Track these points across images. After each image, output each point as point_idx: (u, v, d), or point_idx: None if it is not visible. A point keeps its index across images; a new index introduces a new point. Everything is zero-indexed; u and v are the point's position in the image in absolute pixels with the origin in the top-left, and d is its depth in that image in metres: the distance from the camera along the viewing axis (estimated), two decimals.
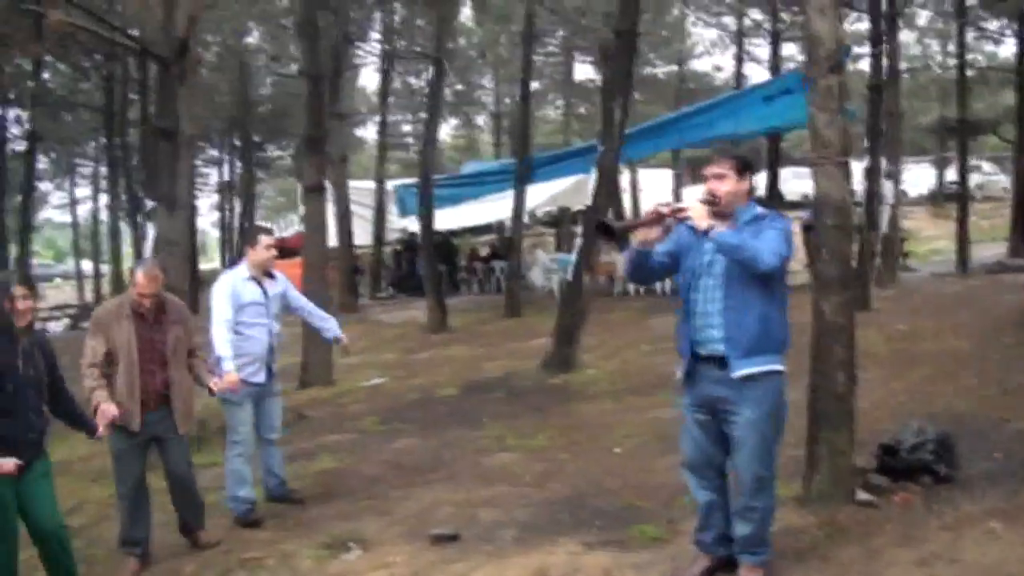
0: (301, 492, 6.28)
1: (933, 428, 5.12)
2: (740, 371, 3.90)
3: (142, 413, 5.09)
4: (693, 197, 4.15)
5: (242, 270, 5.90)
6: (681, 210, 4.01)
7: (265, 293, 5.90)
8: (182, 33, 7.96)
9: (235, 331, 5.72)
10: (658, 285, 17.17)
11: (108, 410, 4.71)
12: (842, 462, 4.81)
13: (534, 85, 27.70)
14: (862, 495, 4.79)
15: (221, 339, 5.61)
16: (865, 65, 16.82)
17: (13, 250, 25.19)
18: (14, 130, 27.19)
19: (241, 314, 5.78)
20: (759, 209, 4.06)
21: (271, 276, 5.99)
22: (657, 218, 4.02)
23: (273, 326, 5.95)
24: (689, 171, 35.89)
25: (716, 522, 4.19)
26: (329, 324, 6.35)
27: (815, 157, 4.98)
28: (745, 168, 4.06)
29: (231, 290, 5.78)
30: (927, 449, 4.95)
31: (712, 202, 3.98)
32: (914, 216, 27.90)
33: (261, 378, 5.88)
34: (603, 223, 4.23)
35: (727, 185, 3.99)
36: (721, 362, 3.95)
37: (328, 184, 15.82)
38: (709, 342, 3.98)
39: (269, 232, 6.11)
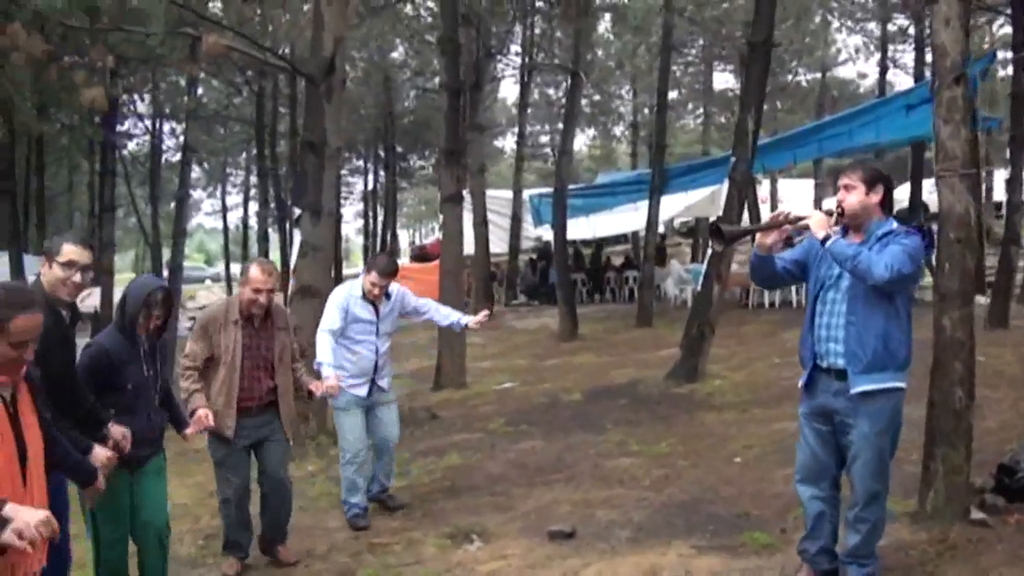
0: (400, 499, 6.31)
1: None
2: (859, 387, 3.92)
3: (243, 418, 5.07)
4: (829, 207, 4.18)
5: (356, 288, 5.97)
6: (800, 218, 4.05)
7: (376, 312, 5.97)
8: (329, 53, 8.48)
9: (342, 344, 5.84)
10: (794, 298, 16.92)
11: (204, 419, 4.60)
12: (957, 480, 4.77)
13: (672, 95, 27.64)
14: (976, 514, 4.73)
15: (323, 345, 5.70)
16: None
17: (166, 253, 26.90)
18: (169, 142, 29.18)
19: (349, 329, 5.88)
20: (894, 225, 4.03)
21: (387, 295, 6.03)
22: (775, 224, 4.08)
23: (381, 345, 6.01)
24: (831, 181, 34.91)
25: (823, 534, 4.22)
26: (453, 316, 6.41)
27: (939, 169, 4.96)
28: (876, 181, 4.01)
29: (344, 303, 5.88)
30: None
31: (837, 213, 3.99)
32: None
33: (363, 392, 5.95)
34: (716, 225, 4.26)
35: (855, 196, 3.99)
36: (840, 374, 3.99)
37: (466, 193, 16.33)
38: (830, 355, 4.02)
39: (387, 269, 5.94)
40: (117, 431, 3.90)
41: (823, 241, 3.92)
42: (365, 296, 5.92)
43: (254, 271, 5.09)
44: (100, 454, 3.58)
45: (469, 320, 6.38)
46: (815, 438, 4.16)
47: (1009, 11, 14.41)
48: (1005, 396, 7.63)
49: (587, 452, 7.45)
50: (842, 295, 4.00)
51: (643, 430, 8.14)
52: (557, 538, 5.32)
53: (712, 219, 24.37)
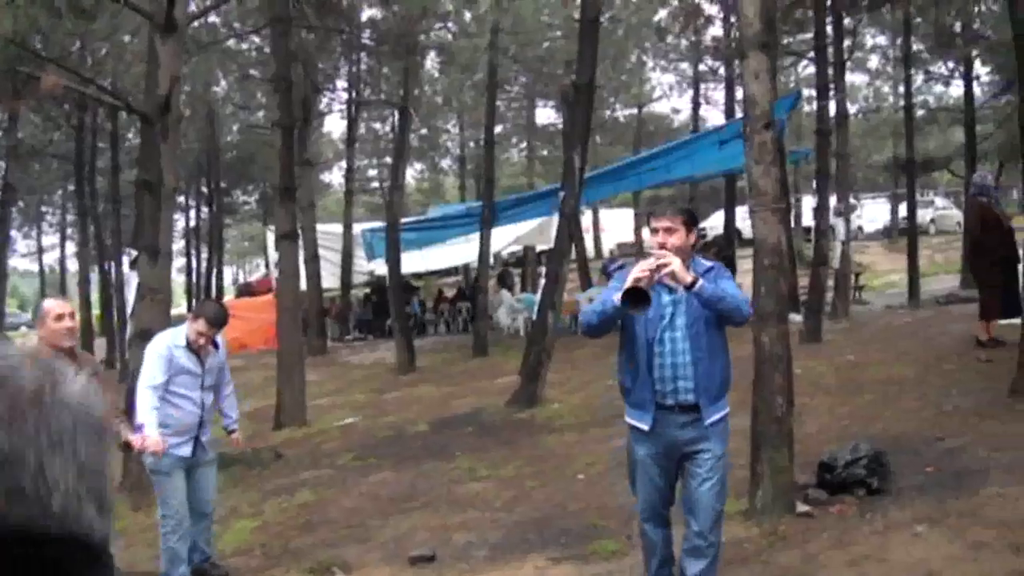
0: (226, 568, 5.82)
1: (867, 446, 5.64)
2: (712, 418, 4.08)
3: None
4: (644, 251, 4.29)
5: (179, 336, 5.47)
6: (664, 265, 3.96)
7: (201, 363, 5.48)
8: (164, 92, 8.41)
9: (164, 399, 5.32)
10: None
11: None
12: (783, 479, 5.31)
13: (497, 129, 28.35)
14: (802, 507, 5.29)
15: (145, 404, 5.21)
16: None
17: None
18: None
19: (172, 383, 5.36)
20: (706, 262, 4.24)
21: (214, 344, 5.55)
22: (650, 276, 3.99)
23: (206, 398, 5.54)
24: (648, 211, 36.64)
25: (669, 553, 4.34)
26: (232, 415, 5.93)
27: (752, 204, 5.54)
28: (693, 222, 4.25)
29: (167, 353, 5.37)
30: (860, 465, 5.47)
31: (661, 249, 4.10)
32: (870, 251, 28.78)
33: (187, 451, 5.43)
34: (638, 289, 3.88)
35: (677, 239, 4.11)
36: (689, 408, 4.06)
37: (297, 229, 16.24)
38: (680, 392, 4.06)
39: (217, 319, 5.46)
40: None
41: (691, 285, 3.95)
42: (189, 346, 5.42)
43: (48, 302, 4.70)
44: None
45: (236, 433, 5.99)
46: (661, 476, 4.18)
47: (812, 54, 15.86)
48: (822, 403, 8.41)
49: (439, 479, 7.67)
50: (682, 333, 4.06)
51: (490, 455, 8.42)
52: (418, 562, 5.51)
53: (539, 248, 25.19)
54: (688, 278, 3.95)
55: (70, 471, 0.77)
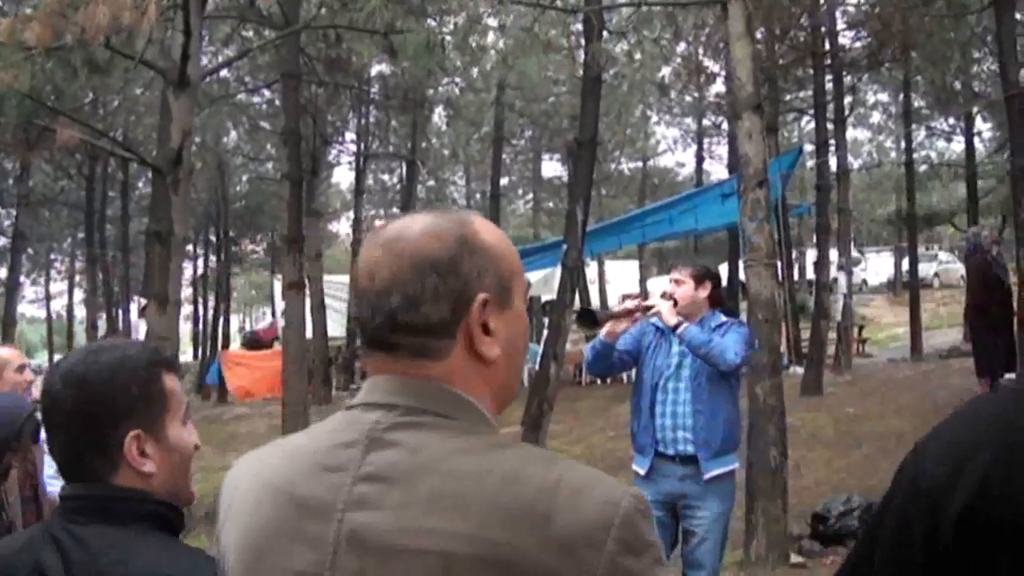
0: None
1: (860, 498, 5.72)
2: (711, 472, 4.06)
3: None
4: (657, 294, 4.50)
5: None
6: (651, 307, 4.21)
7: None
8: (176, 145, 8.63)
9: None
10: (624, 374, 17.75)
11: None
12: (777, 529, 5.39)
13: (503, 181, 28.76)
14: (796, 558, 5.37)
15: None
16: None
17: None
18: None
19: None
20: (723, 318, 4.35)
21: None
22: (629, 312, 4.20)
23: None
24: (656, 262, 36.86)
25: None
26: None
27: (747, 260, 5.69)
28: (704, 278, 4.35)
29: None
30: (853, 516, 5.56)
31: (670, 299, 4.25)
32: (874, 304, 28.83)
33: None
34: (587, 310, 4.43)
35: (683, 291, 4.27)
36: (688, 460, 4.10)
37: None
38: (678, 443, 4.12)
39: None
40: None
41: (675, 328, 4.10)
42: None
43: (4, 351, 4.01)
44: None
45: None
46: (658, 528, 4.17)
47: (812, 111, 16.19)
48: (820, 456, 8.48)
49: None
50: (685, 384, 4.17)
51: None
52: None
53: (543, 299, 25.33)
54: (672, 321, 4.13)
55: None
